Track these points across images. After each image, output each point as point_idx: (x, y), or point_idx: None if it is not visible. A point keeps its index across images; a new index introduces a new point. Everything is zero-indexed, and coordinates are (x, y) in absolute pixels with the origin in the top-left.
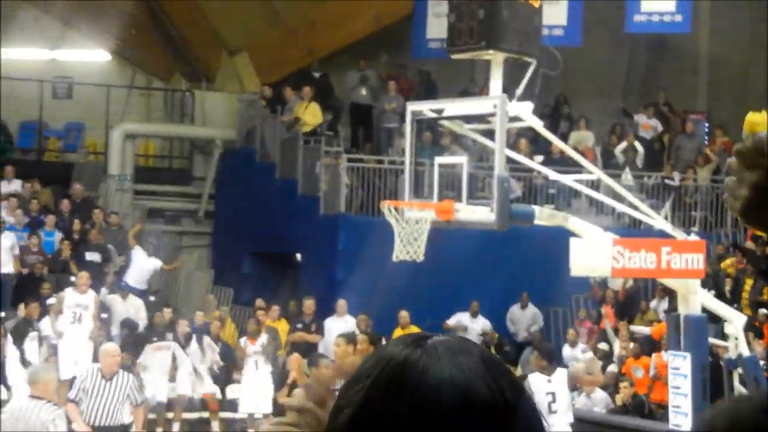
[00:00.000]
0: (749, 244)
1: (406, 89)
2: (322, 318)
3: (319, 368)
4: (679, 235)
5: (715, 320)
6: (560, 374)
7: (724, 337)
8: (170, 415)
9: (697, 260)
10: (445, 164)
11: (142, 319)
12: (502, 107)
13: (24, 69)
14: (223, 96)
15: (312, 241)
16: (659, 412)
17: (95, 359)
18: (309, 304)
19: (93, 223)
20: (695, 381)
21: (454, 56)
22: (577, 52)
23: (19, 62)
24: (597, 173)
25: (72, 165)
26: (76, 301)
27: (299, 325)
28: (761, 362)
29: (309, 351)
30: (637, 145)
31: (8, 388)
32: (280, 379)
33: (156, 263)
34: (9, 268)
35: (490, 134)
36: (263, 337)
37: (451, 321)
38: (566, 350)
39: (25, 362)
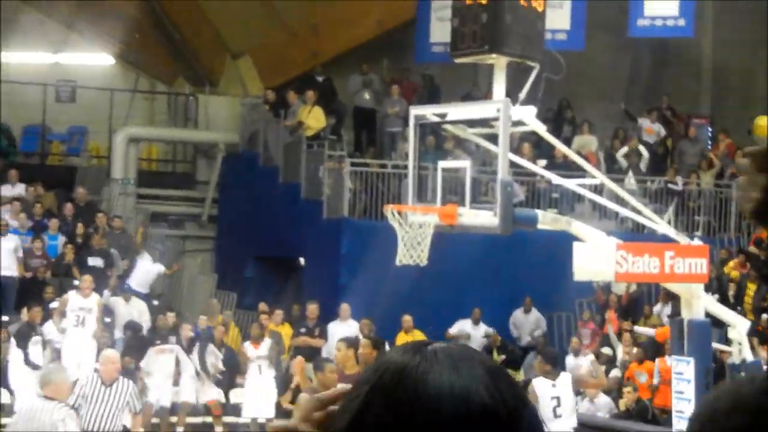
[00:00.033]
0: (752, 249)
1: (409, 93)
2: (326, 322)
3: (325, 373)
4: (683, 239)
5: (718, 325)
6: (564, 378)
7: (727, 341)
8: (174, 419)
9: (700, 265)
10: (449, 168)
11: (145, 321)
12: (505, 111)
13: (27, 72)
14: (227, 100)
15: (315, 245)
16: (663, 417)
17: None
18: (312, 309)
19: (96, 227)
20: (699, 386)
21: (458, 60)
22: (581, 56)
23: (22, 66)
24: (600, 177)
25: (75, 169)
26: (80, 305)
27: (302, 330)
28: (765, 367)
29: (312, 355)
30: (642, 149)
31: (11, 391)
32: (284, 383)
33: (159, 268)
34: (12, 271)
35: (493, 138)
36: (266, 342)
37: (453, 329)
38: (569, 359)
39: (29, 365)
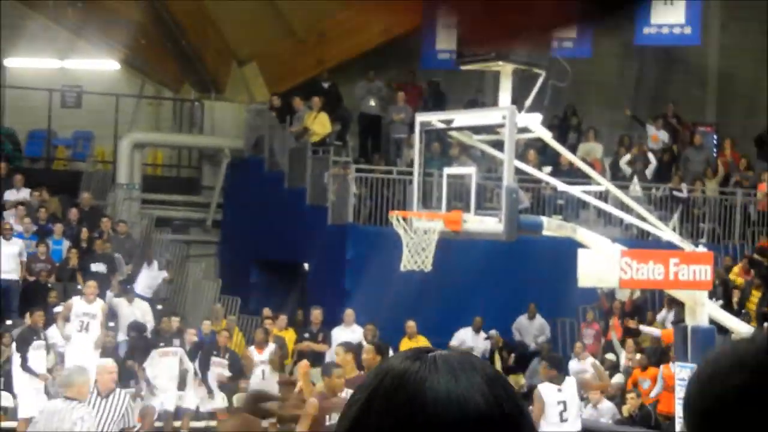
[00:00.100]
0: (756, 257)
1: (414, 99)
2: (330, 328)
3: (332, 378)
4: (687, 246)
5: (723, 331)
6: (569, 383)
7: None
8: (177, 423)
9: (704, 272)
10: (454, 175)
11: (148, 322)
12: (511, 118)
13: (33, 78)
14: (232, 106)
15: (320, 251)
16: (666, 423)
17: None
18: (316, 314)
19: (101, 232)
20: None
21: (464, 67)
22: (587, 63)
23: (28, 71)
24: (605, 184)
25: (80, 174)
26: (84, 310)
27: (306, 335)
28: None
29: (316, 360)
30: (651, 156)
31: (14, 395)
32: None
33: (164, 274)
34: (16, 275)
35: (498, 145)
36: (270, 347)
37: (454, 341)
38: (573, 363)
39: (26, 369)
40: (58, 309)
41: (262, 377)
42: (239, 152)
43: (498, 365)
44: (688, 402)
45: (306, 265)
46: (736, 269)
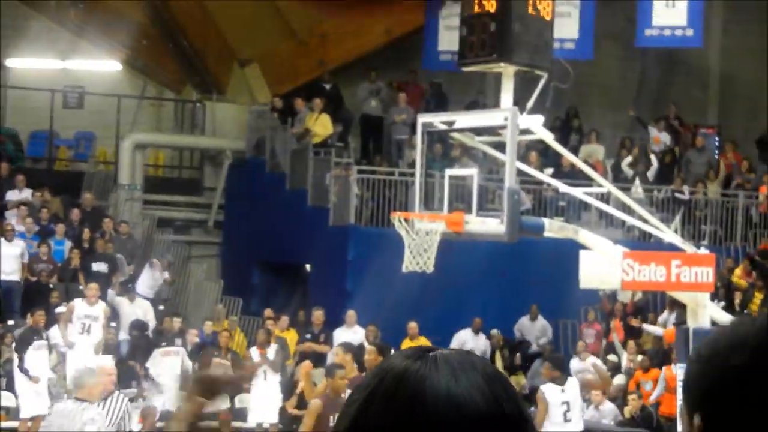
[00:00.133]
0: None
1: (416, 100)
2: (332, 328)
3: (335, 379)
4: (689, 248)
5: None
6: (572, 383)
7: None
8: None
9: (706, 274)
10: (456, 176)
11: (150, 321)
12: (513, 120)
13: (35, 78)
14: (234, 107)
15: (321, 252)
16: (668, 425)
17: None
18: (318, 315)
19: (103, 232)
20: None
21: (465, 69)
22: (589, 65)
23: (30, 71)
24: (607, 186)
25: (82, 174)
26: (86, 312)
27: (308, 336)
28: None
29: (317, 361)
30: (653, 158)
31: (16, 395)
32: (289, 388)
33: (165, 275)
34: (17, 276)
35: (500, 146)
36: (273, 348)
37: (454, 343)
38: (574, 363)
39: (22, 370)
40: (59, 309)
41: (264, 378)
42: (241, 153)
43: (499, 364)
44: (688, 382)
45: (308, 266)
46: (737, 271)
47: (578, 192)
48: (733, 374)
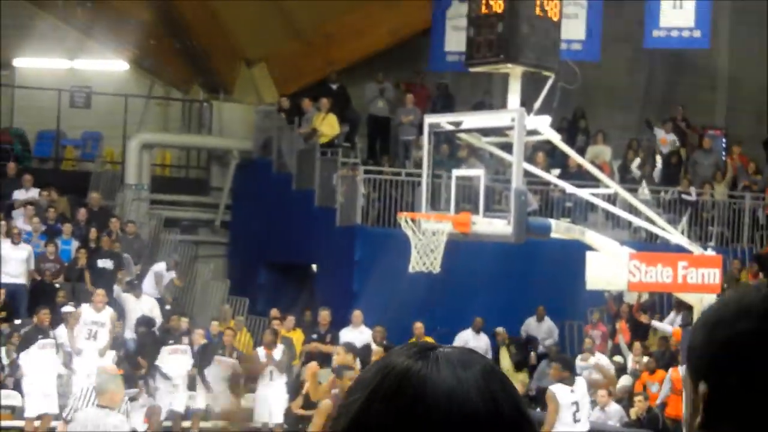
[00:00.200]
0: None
1: (423, 101)
2: (338, 329)
3: (344, 380)
4: (696, 249)
5: None
6: (580, 383)
7: None
8: (186, 424)
9: (713, 275)
10: (463, 177)
11: (156, 317)
12: (520, 121)
13: (42, 78)
14: (241, 107)
15: (328, 252)
16: (674, 427)
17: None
18: (324, 315)
19: (110, 232)
20: None
21: (473, 69)
22: (596, 66)
23: (37, 71)
24: (614, 187)
25: (89, 174)
26: (93, 318)
27: (314, 336)
28: None
29: (323, 362)
30: (657, 158)
31: (23, 395)
32: (295, 389)
33: (172, 274)
34: (23, 279)
35: (507, 147)
36: (279, 348)
37: (456, 343)
38: (579, 361)
39: (18, 372)
40: (66, 309)
41: (270, 378)
42: (248, 153)
43: (507, 362)
44: (693, 350)
45: (314, 267)
46: (744, 273)
47: (585, 193)
48: (740, 340)
